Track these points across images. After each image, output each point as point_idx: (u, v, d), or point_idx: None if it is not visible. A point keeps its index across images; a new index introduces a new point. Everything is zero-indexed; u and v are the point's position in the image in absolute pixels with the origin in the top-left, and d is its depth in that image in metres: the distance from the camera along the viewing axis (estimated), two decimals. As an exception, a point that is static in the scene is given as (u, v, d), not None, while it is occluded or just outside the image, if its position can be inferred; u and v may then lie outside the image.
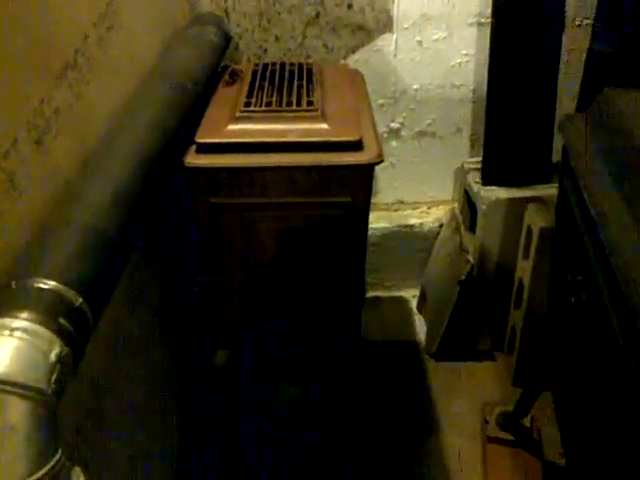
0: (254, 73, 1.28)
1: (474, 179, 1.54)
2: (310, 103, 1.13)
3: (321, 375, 1.35)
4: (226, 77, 1.31)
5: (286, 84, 1.22)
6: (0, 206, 0.69)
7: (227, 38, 1.41)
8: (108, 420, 0.91)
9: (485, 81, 1.49)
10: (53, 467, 0.54)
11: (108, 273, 0.75)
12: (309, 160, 1.06)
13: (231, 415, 1.28)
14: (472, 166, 1.58)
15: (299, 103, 1.13)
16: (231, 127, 1.09)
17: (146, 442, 1.08)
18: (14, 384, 0.54)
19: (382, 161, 1.07)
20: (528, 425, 1.33)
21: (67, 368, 0.60)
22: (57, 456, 0.55)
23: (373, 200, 1.86)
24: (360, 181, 1.08)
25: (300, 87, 1.21)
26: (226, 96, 1.22)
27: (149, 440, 1.10)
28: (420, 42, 1.65)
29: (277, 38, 1.64)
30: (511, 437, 1.31)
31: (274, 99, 1.15)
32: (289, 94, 1.17)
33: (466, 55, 1.67)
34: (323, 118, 1.10)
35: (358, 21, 1.63)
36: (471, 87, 1.70)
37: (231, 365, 1.23)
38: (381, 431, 1.44)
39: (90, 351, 0.86)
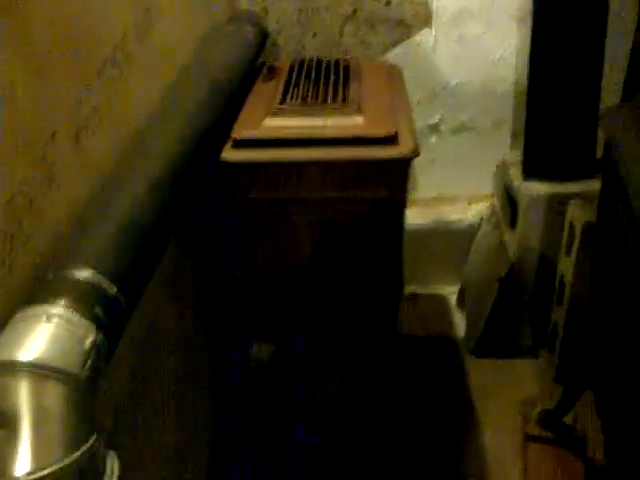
0: (291, 69, 1.29)
1: (515, 174, 1.52)
2: (346, 98, 1.13)
3: (358, 369, 1.35)
4: (264, 73, 1.32)
5: (322, 80, 1.22)
6: (38, 200, 0.71)
7: (264, 35, 1.43)
8: (146, 408, 0.94)
9: (526, 75, 1.46)
10: (88, 450, 0.56)
11: (143, 264, 0.76)
12: (344, 155, 1.06)
13: (269, 407, 1.29)
14: (513, 161, 1.55)
15: (335, 98, 1.14)
16: (267, 122, 1.10)
17: (182, 432, 1.10)
18: (49, 368, 0.55)
19: (417, 156, 1.06)
20: (570, 423, 1.30)
21: (101, 355, 0.61)
22: (92, 440, 0.56)
23: (412, 196, 1.88)
24: (396, 176, 1.08)
25: (336, 83, 1.21)
26: (263, 92, 1.24)
27: (185, 431, 1.12)
28: (460, 37, 1.64)
29: (315, 35, 1.65)
30: (552, 435, 1.29)
31: (310, 94, 1.16)
32: (325, 89, 1.18)
33: (507, 49, 1.64)
34: (359, 113, 1.10)
35: (396, 16, 1.62)
36: (512, 81, 1.67)
37: (268, 359, 1.24)
38: (418, 427, 1.43)
39: (129, 339, 0.89)
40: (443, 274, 1.86)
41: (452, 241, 1.82)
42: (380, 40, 1.65)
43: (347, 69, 1.30)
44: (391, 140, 1.07)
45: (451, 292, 1.84)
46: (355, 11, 1.62)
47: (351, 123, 1.09)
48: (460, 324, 1.73)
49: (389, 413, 1.43)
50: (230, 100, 1.14)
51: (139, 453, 0.93)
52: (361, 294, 1.20)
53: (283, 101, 1.14)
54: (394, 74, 1.39)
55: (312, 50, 1.66)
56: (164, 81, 1.07)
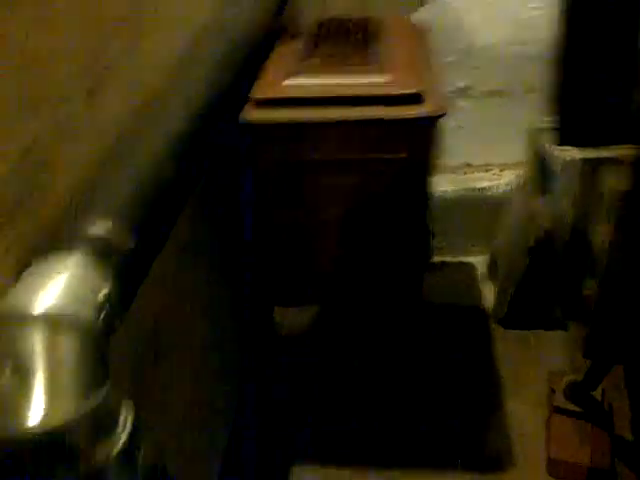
0: (313, 29, 1.25)
1: (547, 139, 1.45)
2: (369, 56, 1.09)
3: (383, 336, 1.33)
4: (287, 32, 1.29)
5: (345, 39, 1.18)
6: (55, 154, 0.70)
7: (287, -7, 1.38)
8: (167, 363, 0.93)
9: (561, 36, 1.38)
10: (100, 400, 0.55)
11: (163, 218, 0.75)
12: (365, 114, 1.02)
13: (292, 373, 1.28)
14: (546, 126, 1.49)
15: (357, 57, 1.09)
16: (287, 82, 1.07)
17: (204, 393, 1.10)
18: (63, 318, 0.54)
19: (443, 115, 1.02)
20: (599, 398, 1.26)
21: (116, 307, 0.60)
22: (105, 389, 0.55)
23: (441, 162, 1.82)
24: (419, 136, 1.04)
25: (359, 41, 1.17)
26: (285, 51, 1.20)
27: (208, 391, 1.12)
28: (494, -5, 1.56)
29: (340, -6, 1.60)
30: (579, 409, 1.25)
31: (332, 53, 1.11)
32: (348, 48, 1.13)
33: (539, 8, 1.56)
34: (382, 71, 1.06)
35: (426, -26, 1.55)
36: (544, 43, 1.59)
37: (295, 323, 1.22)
38: (442, 394, 1.41)
39: (151, 294, 0.88)
40: (473, 242, 1.82)
41: (483, 209, 1.77)
42: (408, -1, 1.58)
43: (371, 28, 1.25)
44: (415, 99, 1.02)
45: (481, 261, 1.80)
46: (383, -33, 1.56)
47: (374, 82, 1.05)
48: (490, 294, 1.69)
49: (413, 381, 1.41)
50: (250, 59, 1.11)
51: (157, 413, 0.94)
52: (384, 259, 1.17)
53: (304, 60, 1.10)
54: (420, 33, 1.33)
55: (339, 8, 1.61)
56: (181, 40, 1.05)
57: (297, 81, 1.06)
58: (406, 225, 1.14)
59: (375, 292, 1.21)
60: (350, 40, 1.17)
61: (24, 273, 0.57)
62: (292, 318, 1.25)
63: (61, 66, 0.74)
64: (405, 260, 1.18)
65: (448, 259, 1.81)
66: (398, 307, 1.25)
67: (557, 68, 1.41)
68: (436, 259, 1.83)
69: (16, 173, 0.62)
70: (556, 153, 1.39)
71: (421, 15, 1.58)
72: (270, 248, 1.16)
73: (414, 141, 1.04)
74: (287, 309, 1.28)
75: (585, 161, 1.35)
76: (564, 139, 1.42)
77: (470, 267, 1.80)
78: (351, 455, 1.28)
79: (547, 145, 1.44)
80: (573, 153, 1.37)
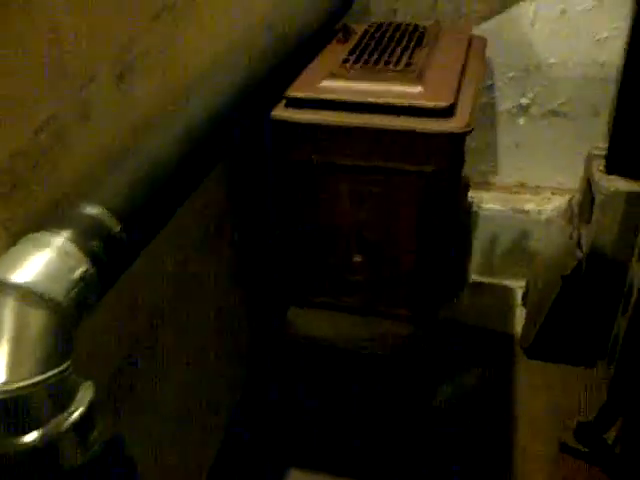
0: (364, 32, 1.26)
1: (598, 167, 1.39)
2: (408, 65, 1.09)
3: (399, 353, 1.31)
4: (339, 35, 1.30)
5: (393, 45, 1.18)
6: (70, 134, 0.74)
7: (348, -3, 1.39)
8: (162, 355, 0.97)
9: (623, 59, 1.32)
10: (59, 373, 0.59)
11: (158, 208, 0.78)
12: (394, 123, 1.02)
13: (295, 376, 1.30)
14: (599, 152, 1.43)
15: (398, 64, 1.09)
16: (324, 84, 1.08)
17: (203, 388, 1.13)
18: (35, 292, 0.59)
19: (469, 132, 1.00)
20: (610, 442, 1.21)
21: (90, 288, 0.64)
22: (65, 365, 0.59)
23: (492, 180, 1.79)
24: (445, 150, 1.03)
25: (405, 49, 1.16)
26: (331, 53, 1.21)
27: (207, 387, 1.14)
28: (564, 11, 1.51)
29: (409, 0, 1.59)
30: (586, 449, 1.20)
31: (373, 58, 1.12)
32: (392, 55, 1.13)
33: (616, 29, 1.49)
34: (418, 81, 1.06)
35: (495, -15, 1.52)
36: (616, 65, 1.52)
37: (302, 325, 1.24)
38: (454, 418, 1.38)
39: (152, 284, 0.92)
40: (514, 265, 1.77)
41: (528, 232, 1.72)
42: (476, 9, 1.55)
43: (423, 35, 1.25)
44: (446, 113, 1.01)
45: (519, 286, 1.75)
46: (452, -23, 1.53)
47: (408, 91, 1.05)
48: (521, 320, 1.64)
49: (428, 401, 1.39)
50: (294, 58, 1.13)
51: (153, 399, 0.97)
52: (403, 271, 1.17)
53: (345, 63, 1.11)
54: (475, 45, 1.31)
55: (404, 16, 1.61)
56: (229, 33, 1.08)
57: (333, 84, 1.08)
58: (429, 239, 1.12)
59: (391, 306, 1.20)
60: (398, 47, 1.17)
61: (15, 245, 0.62)
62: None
63: (94, 47, 0.78)
64: (427, 276, 1.17)
65: (488, 280, 1.77)
66: (415, 322, 1.23)
67: (616, 92, 1.35)
68: (475, 278, 1.80)
69: (24, 152, 0.67)
70: (602, 182, 1.33)
71: (489, 27, 1.55)
72: (288, 247, 1.18)
73: (440, 155, 1.03)
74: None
75: (630, 194, 1.28)
76: (614, 167, 1.36)
77: (508, 290, 1.75)
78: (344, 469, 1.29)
79: (596, 172, 1.38)
80: (619, 184, 1.31)
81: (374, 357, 1.24)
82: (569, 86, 1.59)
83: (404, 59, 1.11)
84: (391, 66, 1.09)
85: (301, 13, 1.20)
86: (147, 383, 0.94)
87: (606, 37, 1.51)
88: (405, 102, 1.02)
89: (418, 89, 1.05)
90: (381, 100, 1.03)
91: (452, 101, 1.02)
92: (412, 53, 1.14)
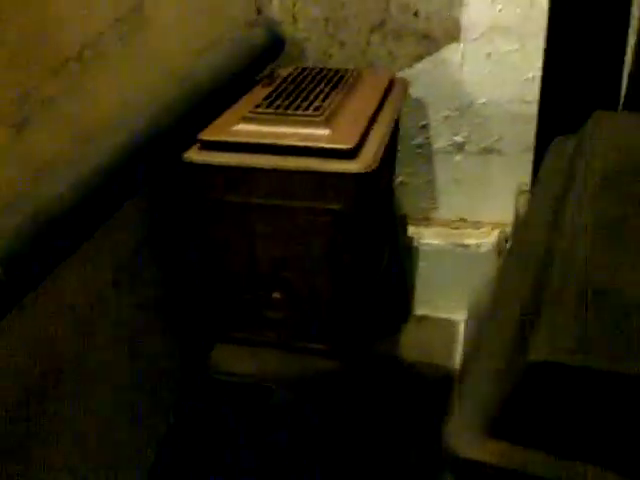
0: (287, 77, 1.30)
1: (523, 202, 1.43)
2: (317, 108, 1.13)
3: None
4: (264, 80, 1.35)
5: (310, 89, 1.23)
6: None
7: (277, 41, 1.45)
8: (67, 390, 0.98)
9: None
10: None
11: (41, 258, 0.80)
12: (299, 165, 1.06)
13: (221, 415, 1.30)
14: (525, 188, 1.47)
15: (308, 108, 1.14)
16: (237, 127, 1.12)
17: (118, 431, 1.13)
18: None
19: (372, 172, 1.04)
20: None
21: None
22: None
23: (432, 215, 1.82)
24: (351, 189, 1.06)
25: (320, 93, 1.21)
26: (252, 98, 1.26)
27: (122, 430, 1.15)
28: (489, 54, 1.57)
29: (342, 44, 1.65)
30: None
31: (286, 102, 1.16)
32: (305, 99, 1.18)
33: (540, 69, 1.55)
34: (326, 124, 1.10)
35: (424, 29, 1.58)
36: (541, 103, 1.57)
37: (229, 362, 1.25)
38: (378, 454, 1.38)
39: (53, 323, 0.94)
40: (457, 299, 1.79)
41: (469, 266, 1.75)
42: (407, 52, 1.61)
43: (345, 80, 1.30)
44: (350, 154, 1.05)
45: (463, 319, 1.77)
46: (383, 21, 1.60)
47: (316, 133, 1.09)
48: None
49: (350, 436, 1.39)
50: (210, 104, 1.18)
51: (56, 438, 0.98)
52: (321, 307, 1.19)
53: (257, 107, 1.15)
54: (396, 88, 1.36)
55: (339, 59, 1.67)
56: (144, 84, 1.11)
57: (245, 127, 1.12)
58: (343, 276, 1.15)
59: (311, 341, 1.22)
60: (315, 91, 1.22)
61: None
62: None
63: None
64: (346, 312, 1.20)
65: (429, 314, 1.79)
66: (341, 359, 1.25)
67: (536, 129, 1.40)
68: (418, 312, 1.82)
69: None
70: (523, 217, 1.37)
71: (420, 69, 1.61)
72: (208, 284, 1.20)
73: (346, 194, 1.07)
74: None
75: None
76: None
77: (452, 324, 1.77)
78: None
79: (521, 208, 1.42)
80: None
81: (298, 393, 1.25)
82: (501, 124, 1.64)
83: (316, 103, 1.16)
84: (300, 110, 1.13)
85: (220, 62, 1.25)
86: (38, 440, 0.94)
87: (533, 77, 1.57)
88: (310, 144, 1.06)
89: (326, 132, 1.09)
90: (286, 142, 1.07)
91: (355, 143, 1.06)
92: (326, 97, 1.19)
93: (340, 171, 1.03)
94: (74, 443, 1.01)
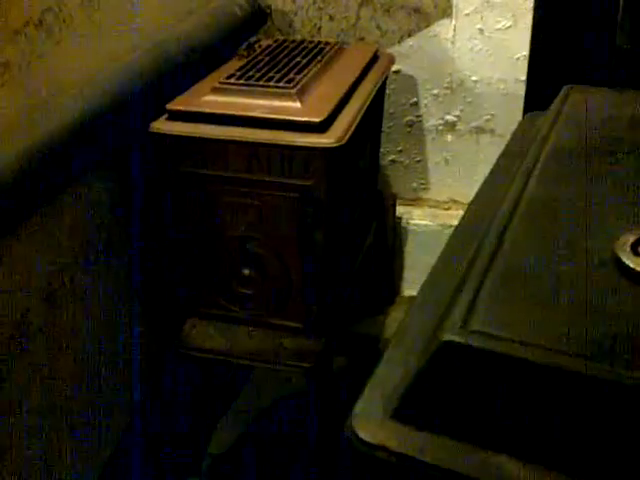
0: (265, 49, 1.27)
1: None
2: (290, 81, 1.10)
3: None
4: (241, 50, 1.31)
5: (285, 61, 1.19)
6: None
7: (257, 12, 1.41)
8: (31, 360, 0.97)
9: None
10: None
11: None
12: (267, 137, 1.03)
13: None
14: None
15: (280, 80, 1.10)
16: (206, 98, 1.09)
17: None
18: None
19: (343, 146, 1.01)
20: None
21: None
22: None
23: (423, 195, 1.79)
24: (319, 165, 1.03)
25: (296, 65, 1.17)
26: (227, 69, 1.22)
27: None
28: (481, 30, 1.52)
29: (331, 17, 1.61)
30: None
31: (259, 74, 1.13)
32: (279, 71, 1.14)
33: (533, 46, 1.50)
34: (296, 97, 1.06)
35: (414, 3, 1.53)
36: (534, 82, 1.52)
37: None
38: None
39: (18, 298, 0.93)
40: (446, 281, 1.76)
41: (457, 248, 1.72)
42: (397, 27, 1.57)
43: (325, 53, 1.26)
44: (320, 128, 1.02)
45: (450, 301, 1.74)
46: (373, -5, 1.55)
47: (285, 106, 1.06)
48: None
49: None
50: (184, 73, 1.15)
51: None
52: (292, 284, 1.17)
53: (229, 78, 1.12)
54: (379, 62, 1.32)
55: (327, 33, 1.62)
56: (111, 51, 1.08)
57: (215, 98, 1.09)
58: (313, 254, 1.12)
59: (282, 318, 1.20)
60: (290, 63, 1.19)
61: None
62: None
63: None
64: (318, 290, 1.17)
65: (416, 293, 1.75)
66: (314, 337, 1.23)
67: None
68: (406, 293, 1.79)
69: None
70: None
71: (410, 45, 1.56)
72: (179, 258, 1.18)
73: (316, 169, 1.04)
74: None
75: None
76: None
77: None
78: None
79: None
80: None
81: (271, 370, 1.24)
82: (493, 103, 1.60)
83: (290, 75, 1.12)
84: (272, 82, 1.10)
85: (194, 31, 1.22)
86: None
87: (525, 55, 1.51)
88: (279, 117, 1.03)
89: (296, 104, 1.06)
90: (255, 114, 1.04)
91: (325, 116, 1.02)
92: (302, 70, 1.15)
93: (308, 145, 1.00)
94: (37, 415, 1.00)
